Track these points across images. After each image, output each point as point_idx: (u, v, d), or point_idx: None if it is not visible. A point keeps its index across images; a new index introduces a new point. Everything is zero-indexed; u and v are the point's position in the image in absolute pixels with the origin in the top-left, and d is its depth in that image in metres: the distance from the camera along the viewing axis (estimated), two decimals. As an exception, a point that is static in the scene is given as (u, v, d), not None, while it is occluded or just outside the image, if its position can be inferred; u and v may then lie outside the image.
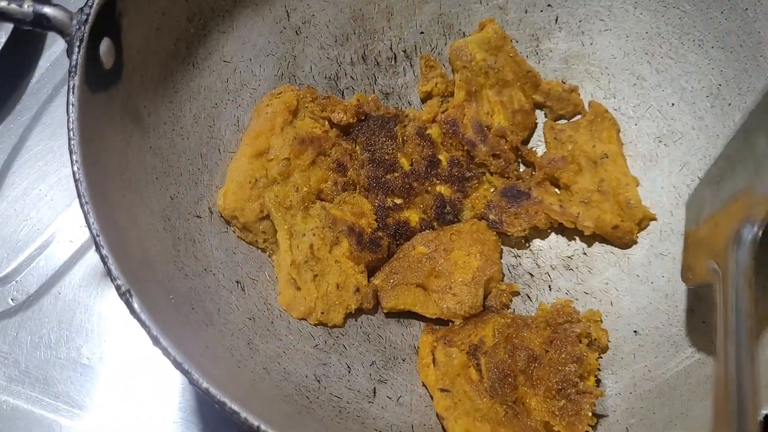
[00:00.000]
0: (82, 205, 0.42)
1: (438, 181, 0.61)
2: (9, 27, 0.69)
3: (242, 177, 0.57)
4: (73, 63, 0.45)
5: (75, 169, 0.43)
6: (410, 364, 0.56)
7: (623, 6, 0.62)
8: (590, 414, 0.49)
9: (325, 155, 0.60)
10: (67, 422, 0.59)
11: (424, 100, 0.65)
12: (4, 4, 0.45)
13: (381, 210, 0.59)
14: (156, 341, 0.40)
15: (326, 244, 0.57)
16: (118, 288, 0.41)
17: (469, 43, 0.62)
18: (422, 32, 0.66)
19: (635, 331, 0.56)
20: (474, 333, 0.54)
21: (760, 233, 0.44)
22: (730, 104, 0.58)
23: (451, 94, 0.64)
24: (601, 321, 0.56)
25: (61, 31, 0.46)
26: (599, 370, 0.53)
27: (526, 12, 0.65)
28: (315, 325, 0.55)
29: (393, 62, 0.66)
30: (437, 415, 0.52)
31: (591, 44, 0.64)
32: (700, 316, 0.54)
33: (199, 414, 0.59)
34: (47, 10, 0.45)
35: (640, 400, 0.51)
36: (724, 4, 0.58)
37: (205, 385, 0.39)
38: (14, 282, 0.64)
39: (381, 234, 0.58)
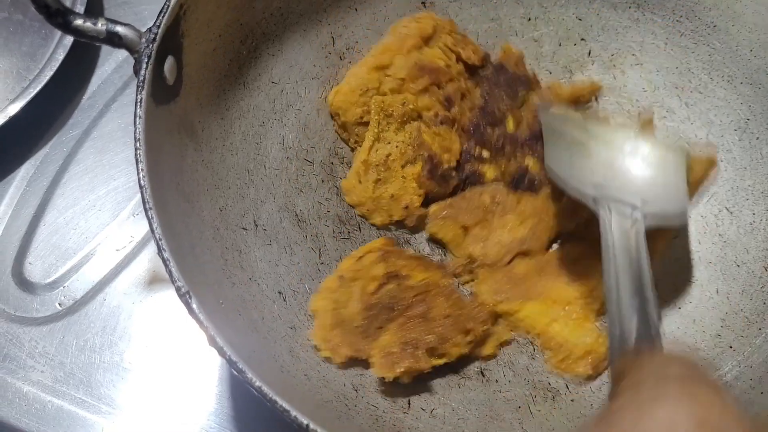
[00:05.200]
0: (146, 211, 0.45)
1: (531, 154, 0.63)
2: (67, 46, 0.72)
3: (357, 83, 0.63)
4: (141, 78, 0.48)
5: (141, 176, 0.45)
6: (443, 379, 0.57)
7: (654, 42, 0.65)
8: (399, 370, 0.52)
9: (439, 87, 0.63)
10: (108, 423, 0.61)
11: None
12: (80, 22, 0.48)
13: (466, 154, 0.63)
14: (213, 341, 0.42)
15: (402, 159, 0.62)
16: (178, 289, 0.43)
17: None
18: (460, 60, 0.69)
19: (663, 354, 0.57)
20: (410, 270, 0.57)
21: None
22: (758, 138, 0.61)
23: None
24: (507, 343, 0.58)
25: (130, 49, 0.49)
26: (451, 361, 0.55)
27: (560, 45, 0.68)
28: (360, 216, 0.63)
29: (430, 88, 0.69)
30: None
31: (622, 77, 0.66)
32: (727, 342, 0.56)
33: (235, 421, 0.61)
34: (119, 29, 0.49)
35: (668, 419, 0.53)
36: (753, 43, 0.60)
37: (258, 383, 0.41)
38: (62, 287, 0.66)
39: (454, 174, 0.63)
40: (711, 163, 0.60)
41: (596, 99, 0.66)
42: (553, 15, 0.67)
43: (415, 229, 0.64)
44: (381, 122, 0.62)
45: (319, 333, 0.55)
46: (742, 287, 0.58)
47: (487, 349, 0.57)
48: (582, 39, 0.67)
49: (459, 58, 0.64)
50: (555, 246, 0.62)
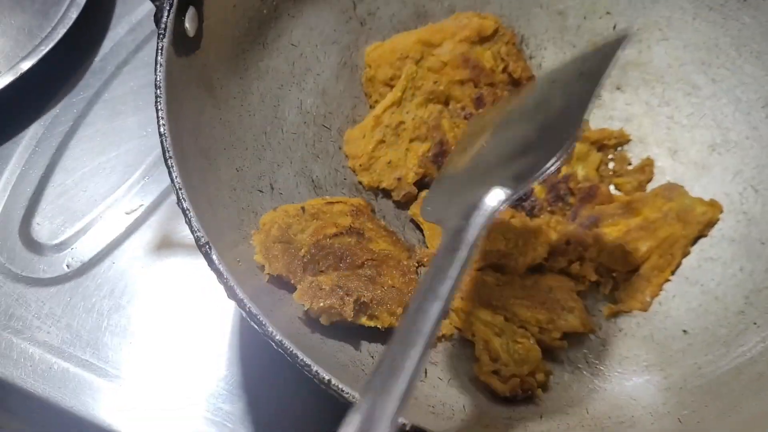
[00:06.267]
0: (166, 160, 0.43)
1: (542, 180, 0.60)
2: (80, 5, 0.71)
3: (400, 47, 0.63)
4: (162, 26, 0.47)
5: (161, 123, 0.44)
6: (460, 350, 0.56)
7: (682, 17, 0.64)
8: (320, 304, 0.49)
9: (476, 85, 0.63)
10: (114, 386, 0.59)
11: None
12: (101, -34, 0.46)
13: None
14: (232, 292, 0.40)
15: (413, 133, 0.61)
16: (197, 240, 0.42)
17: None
18: (481, 32, 0.67)
19: (684, 331, 0.56)
20: (376, 236, 0.56)
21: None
22: (786, 115, 0.59)
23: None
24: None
25: (152, -4, 0.48)
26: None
27: (585, 18, 0.66)
28: (351, 168, 0.62)
29: (450, 60, 0.67)
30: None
31: (648, 52, 0.65)
32: (750, 318, 0.55)
33: (244, 387, 0.60)
34: (141, -26, 0.47)
35: (690, 394, 0.52)
36: (784, 17, 0.59)
37: (279, 337, 0.40)
38: (70, 249, 0.65)
39: None
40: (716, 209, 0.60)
41: (621, 147, 0.65)
42: (579, -13, 0.66)
43: (401, 206, 0.62)
44: (407, 89, 0.61)
45: (262, 239, 0.52)
46: (766, 265, 0.57)
47: None
48: (608, 12, 0.66)
49: (506, 69, 0.64)
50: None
